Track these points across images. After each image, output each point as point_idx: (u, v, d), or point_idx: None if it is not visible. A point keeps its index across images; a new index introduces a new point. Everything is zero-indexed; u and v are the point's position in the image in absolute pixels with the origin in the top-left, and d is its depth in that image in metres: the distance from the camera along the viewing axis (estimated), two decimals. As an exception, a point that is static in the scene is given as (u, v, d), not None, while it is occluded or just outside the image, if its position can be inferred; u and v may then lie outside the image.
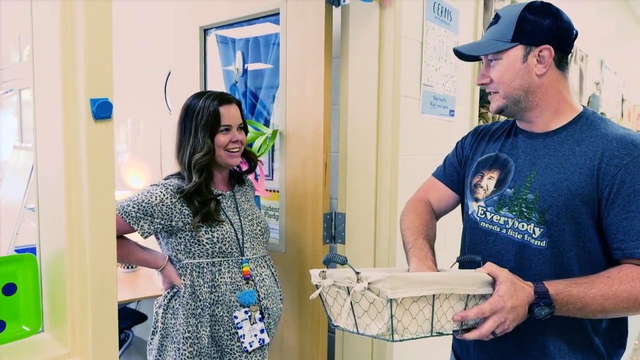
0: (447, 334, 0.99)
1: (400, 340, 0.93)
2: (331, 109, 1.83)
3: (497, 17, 1.13)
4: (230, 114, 1.53)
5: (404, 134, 1.76)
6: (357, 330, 0.99)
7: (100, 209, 0.90)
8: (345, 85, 1.80)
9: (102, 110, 0.86)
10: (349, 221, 1.82)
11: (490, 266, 0.98)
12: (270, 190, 2.10)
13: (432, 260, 1.14)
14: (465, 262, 1.15)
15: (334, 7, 1.80)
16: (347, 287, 0.97)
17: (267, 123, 2.12)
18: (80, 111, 0.87)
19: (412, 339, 0.95)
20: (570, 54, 1.15)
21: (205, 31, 2.26)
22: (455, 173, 1.32)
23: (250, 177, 2.05)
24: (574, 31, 1.10)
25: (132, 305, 2.86)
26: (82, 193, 0.89)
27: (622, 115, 4.87)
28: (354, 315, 0.98)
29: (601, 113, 4.00)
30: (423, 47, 1.84)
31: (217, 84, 2.28)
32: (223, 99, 1.53)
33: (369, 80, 1.73)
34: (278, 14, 1.92)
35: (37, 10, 0.95)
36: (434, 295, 0.93)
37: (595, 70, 3.94)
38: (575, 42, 1.13)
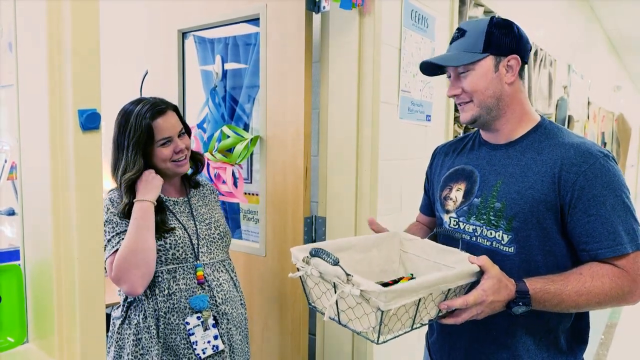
0: (425, 324, 1.02)
1: (384, 342, 0.94)
2: (311, 113, 1.86)
3: (461, 31, 1.18)
4: (167, 125, 1.44)
5: (382, 139, 1.79)
6: (339, 320, 0.97)
7: (89, 219, 0.90)
8: (325, 90, 1.83)
9: (90, 121, 0.86)
10: (330, 225, 1.84)
11: (485, 260, 1.04)
12: (250, 194, 2.11)
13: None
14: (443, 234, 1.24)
15: (314, 13, 1.82)
16: (334, 284, 0.95)
17: (246, 127, 2.12)
18: (68, 122, 0.86)
19: (395, 337, 0.96)
20: (526, 64, 1.24)
21: (184, 34, 2.25)
22: (428, 201, 1.44)
23: (229, 182, 2.05)
24: (529, 44, 1.20)
25: (107, 310, 2.82)
26: (70, 204, 0.88)
27: (588, 118, 5.04)
28: (337, 307, 0.97)
29: (569, 116, 4.15)
30: (401, 53, 1.87)
31: (195, 87, 2.28)
32: (156, 111, 1.43)
33: (349, 85, 1.75)
34: (258, 19, 1.93)
35: (22, 22, 0.94)
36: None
37: (564, 74, 4.07)
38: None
